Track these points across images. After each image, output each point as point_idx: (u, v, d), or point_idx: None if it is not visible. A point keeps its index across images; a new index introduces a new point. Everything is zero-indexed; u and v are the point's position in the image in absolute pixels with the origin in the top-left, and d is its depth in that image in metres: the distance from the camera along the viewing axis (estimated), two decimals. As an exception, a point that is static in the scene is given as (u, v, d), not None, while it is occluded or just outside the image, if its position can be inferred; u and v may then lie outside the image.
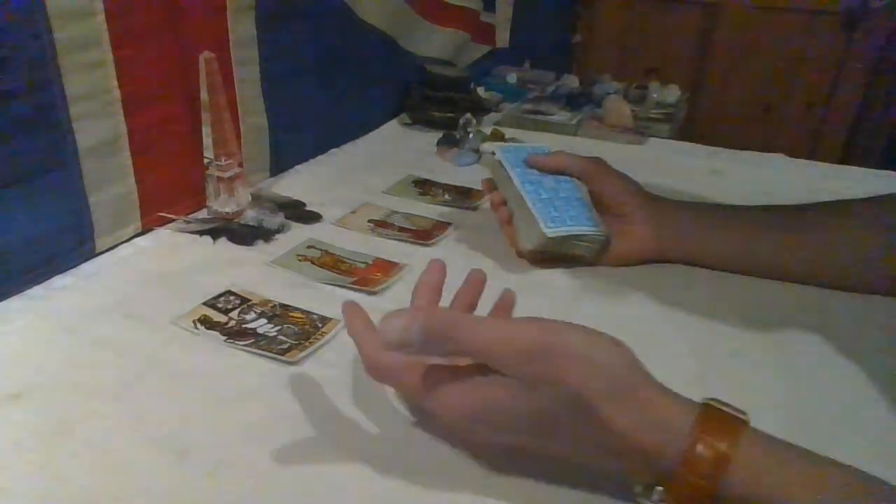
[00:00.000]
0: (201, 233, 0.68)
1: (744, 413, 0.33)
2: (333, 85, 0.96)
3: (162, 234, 0.68)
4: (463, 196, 0.81)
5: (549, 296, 0.60)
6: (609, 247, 0.62)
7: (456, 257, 0.66)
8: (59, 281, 0.59)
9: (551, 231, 0.59)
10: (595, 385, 0.32)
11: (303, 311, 0.55)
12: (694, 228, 0.63)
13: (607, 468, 0.34)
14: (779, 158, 0.97)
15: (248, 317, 0.54)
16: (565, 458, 0.35)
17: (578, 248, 0.62)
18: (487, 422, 0.33)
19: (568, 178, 0.64)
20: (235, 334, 0.52)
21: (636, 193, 0.63)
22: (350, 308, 0.40)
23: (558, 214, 0.60)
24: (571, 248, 0.62)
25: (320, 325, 0.53)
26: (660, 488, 0.32)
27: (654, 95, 1.27)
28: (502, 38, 1.48)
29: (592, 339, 0.34)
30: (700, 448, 0.31)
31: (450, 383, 0.33)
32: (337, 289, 0.59)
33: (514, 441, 0.33)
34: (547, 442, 0.33)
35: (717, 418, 0.32)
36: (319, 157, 0.93)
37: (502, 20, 1.46)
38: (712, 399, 0.33)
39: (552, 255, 0.63)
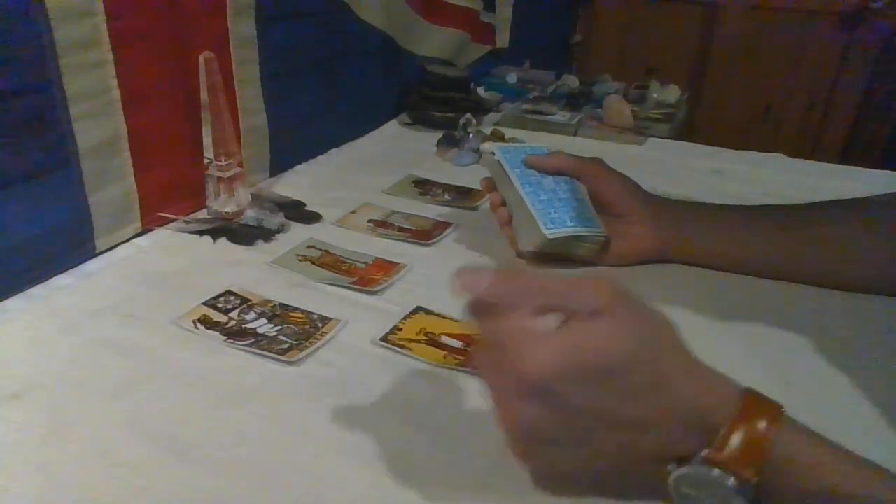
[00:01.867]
0: (201, 233, 0.68)
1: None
2: (333, 85, 0.96)
3: (162, 234, 0.68)
4: (463, 196, 0.81)
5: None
6: (609, 247, 0.62)
7: (456, 257, 0.66)
8: (59, 281, 0.59)
9: (551, 232, 0.59)
10: (663, 334, 0.35)
11: (303, 311, 0.55)
12: (693, 228, 0.63)
13: (661, 442, 0.34)
14: (779, 158, 0.97)
15: (248, 317, 0.54)
16: (630, 435, 0.34)
17: (578, 248, 0.62)
18: (575, 375, 0.32)
19: (567, 178, 0.64)
20: (235, 334, 0.52)
21: (635, 193, 0.63)
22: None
23: (558, 215, 0.60)
24: (571, 248, 0.62)
25: (320, 325, 0.53)
26: (705, 451, 0.32)
27: (654, 95, 1.27)
28: (502, 38, 1.48)
29: (651, 305, 0.36)
30: (748, 415, 0.32)
31: (542, 339, 0.33)
32: (337, 289, 0.59)
33: (591, 402, 0.32)
34: (626, 400, 0.33)
35: (761, 396, 0.34)
36: (319, 157, 0.93)
37: (502, 20, 1.46)
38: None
39: (552, 256, 0.63)
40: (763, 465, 0.31)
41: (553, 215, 0.60)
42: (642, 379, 0.32)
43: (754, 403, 0.33)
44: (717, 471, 0.31)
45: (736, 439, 0.31)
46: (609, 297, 0.33)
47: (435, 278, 0.62)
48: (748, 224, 0.62)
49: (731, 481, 0.31)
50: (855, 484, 0.31)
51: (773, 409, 0.33)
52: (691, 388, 0.33)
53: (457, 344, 0.51)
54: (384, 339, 0.52)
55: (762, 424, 0.32)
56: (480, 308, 0.35)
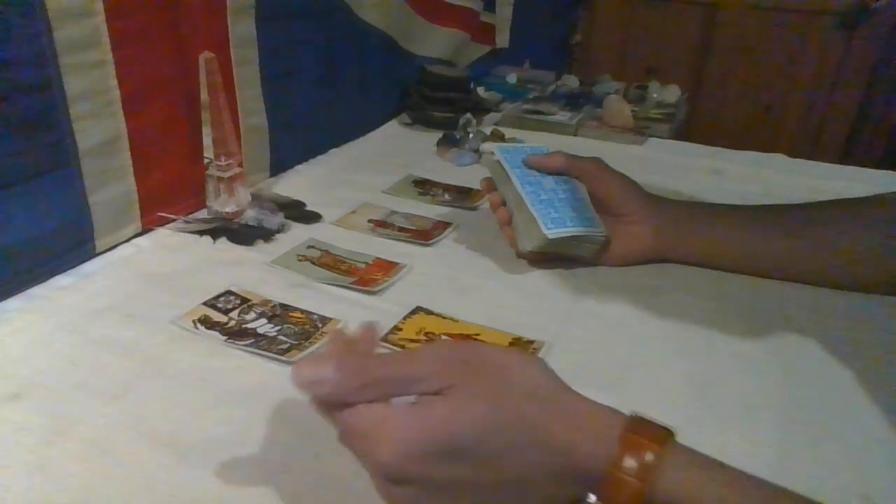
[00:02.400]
0: (201, 233, 0.68)
1: (669, 427, 0.32)
2: (333, 85, 0.96)
3: (162, 234, 0.68)
4: (463, 196, 0.81)
5: (549, 296, 0.60)
6: (609, 246, 0.62)
7: (456, 257, 0.66)
8: (59, 281, 0.59)
9: (551, 232, 0.59)
10: (519, 390, 0.32)
11: (303, 311, 0.55)
12: (694, 228, 0.63)
13: (546, 494, 0.32)
14: (779, 158, 0.97)
15: (248, 317, 0.54)
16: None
17: (578, 248, 0.62)
18: (427, 455, 0.31)
19: (567, 178, 0.64)
20: (235, 334, 0.52)
21: (635, 193, 0.63)
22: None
23: (558, 215, 0.60)
24: (572, 248, 0.62)
25: (320, 325, 0.53)
26: (592, 497, 0.31)
27: (654, 95, 1.27)
28: (502, 38, 1.48)
29: (506, 351, 0.34)
30: (630, 453, 0.30)
31: (390, 426, 0.32)
32: (337, 289, 0.59)
33: (456, 475, 0.31)
34: (491, 467, 0.31)
35: (645, 426, 0.32)
36: (319, 157, 0.93)
37: (502, 20, 1.46)
38: (636, 413, 0.33)
39: (552, 256, 0.63)
40: None
41: (553, 215, 0.60)
42: (500, 445, 0.31)
43: (636, 439, 0.31)
44: None
45: (618, 482, 0.30)
46: (448, 373, 0.32)
47: (435, 278, 0.62)
48: (748, 224, 0.62)
49: None
50: None
51: (658, 442, 0.31)
52: (566, 435, 0.31)
53: None
54: (384, 338, 0.52)
55: (646, 461, 0.30)
56: (329, 403, 0.34)
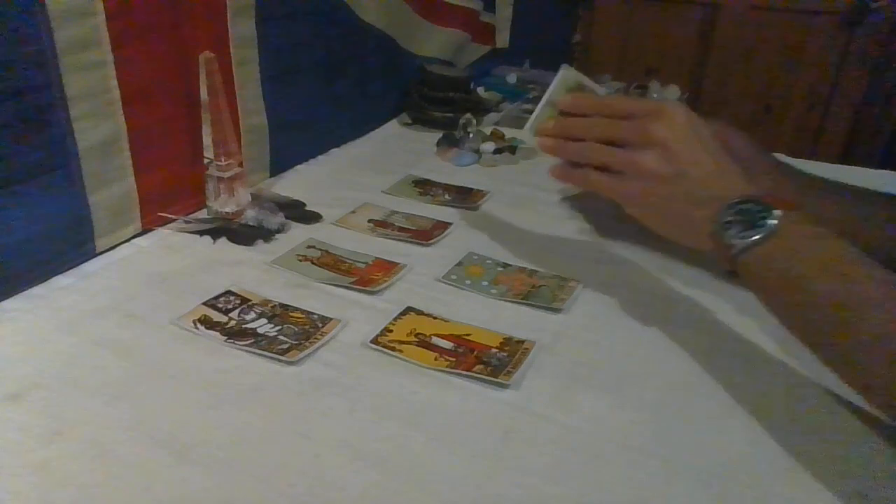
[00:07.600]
0: (201, 233, 0.68)
1: None
2: (333, 85, 0.96)
3: (162, 234, 0.68)
4: (463, 196, 0.81)
5: (549, 296, 0.60)
6: None
7: (456, 257, 0.66)
8: (59, 281, 0.59)
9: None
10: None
11: (303, 311, 0.55)
12: (812, 201, 0.62)
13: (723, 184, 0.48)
14: (779, 158, 0.96)
15: (248, 317, 0.54)
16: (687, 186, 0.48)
17: None
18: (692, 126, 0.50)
19: None
20: (235, 334, 0.52)
21: (758, 149, 0.69)
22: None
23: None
24: None
25: (320, 325, 0.53)
26: (756, 194, 0.46)
27: (654, 95, 1.27)
28: (502, 38, 1.48)
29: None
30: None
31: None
32: (337, 289, 0.59)
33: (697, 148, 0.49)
34: (713, 152, 0.50)
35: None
36: (319, 157, 0.93)
37: (502, 20, 1.46)
38: None
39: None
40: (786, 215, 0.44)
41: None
42: (703, 149, 0.50)
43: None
44: (761, 205, 0.45)
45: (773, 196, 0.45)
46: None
47: (435, 278, 0.62)
48: (859, 206, 0.62)
49: (774, 212, 0.44)
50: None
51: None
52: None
53: (448, 345, 0.51)
54: (374, 340, 0.51)
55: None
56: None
